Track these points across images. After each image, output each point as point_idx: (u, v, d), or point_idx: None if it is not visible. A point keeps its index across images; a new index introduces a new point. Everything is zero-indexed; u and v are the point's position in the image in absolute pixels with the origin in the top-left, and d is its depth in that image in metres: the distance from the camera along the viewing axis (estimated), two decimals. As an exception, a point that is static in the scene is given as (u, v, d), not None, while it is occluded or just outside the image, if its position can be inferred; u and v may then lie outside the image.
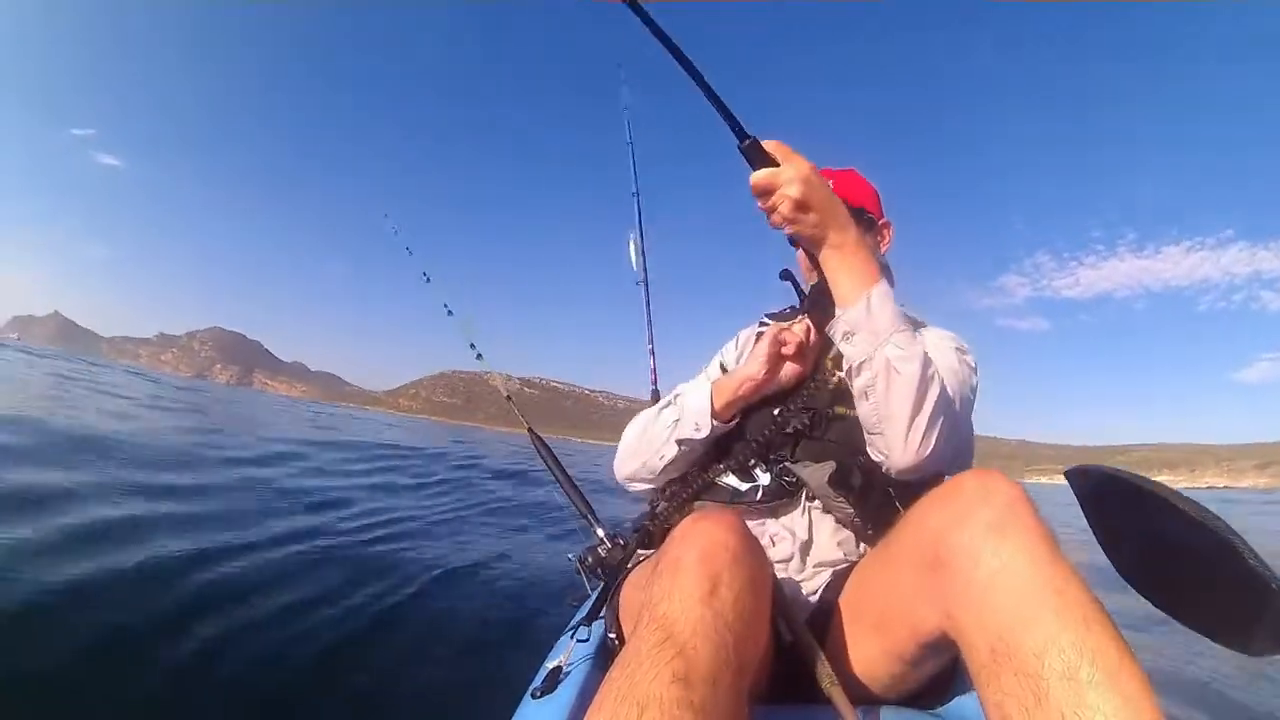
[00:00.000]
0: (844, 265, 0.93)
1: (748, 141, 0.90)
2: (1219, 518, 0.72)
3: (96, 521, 2.54)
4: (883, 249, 1.27)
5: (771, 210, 0.91)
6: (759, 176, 0.90)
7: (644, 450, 1.20)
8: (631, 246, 2.20)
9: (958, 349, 1.13)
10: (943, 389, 0.92)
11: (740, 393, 1.13)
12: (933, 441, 0.90)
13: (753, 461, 1.10)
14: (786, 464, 1.07)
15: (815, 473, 1.02)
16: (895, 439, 0.91)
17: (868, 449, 0.99)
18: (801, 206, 0.89)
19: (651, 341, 2.13)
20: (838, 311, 0.95)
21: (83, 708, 1.43)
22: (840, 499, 1.00)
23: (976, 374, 1.12)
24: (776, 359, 1.12)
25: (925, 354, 0.91)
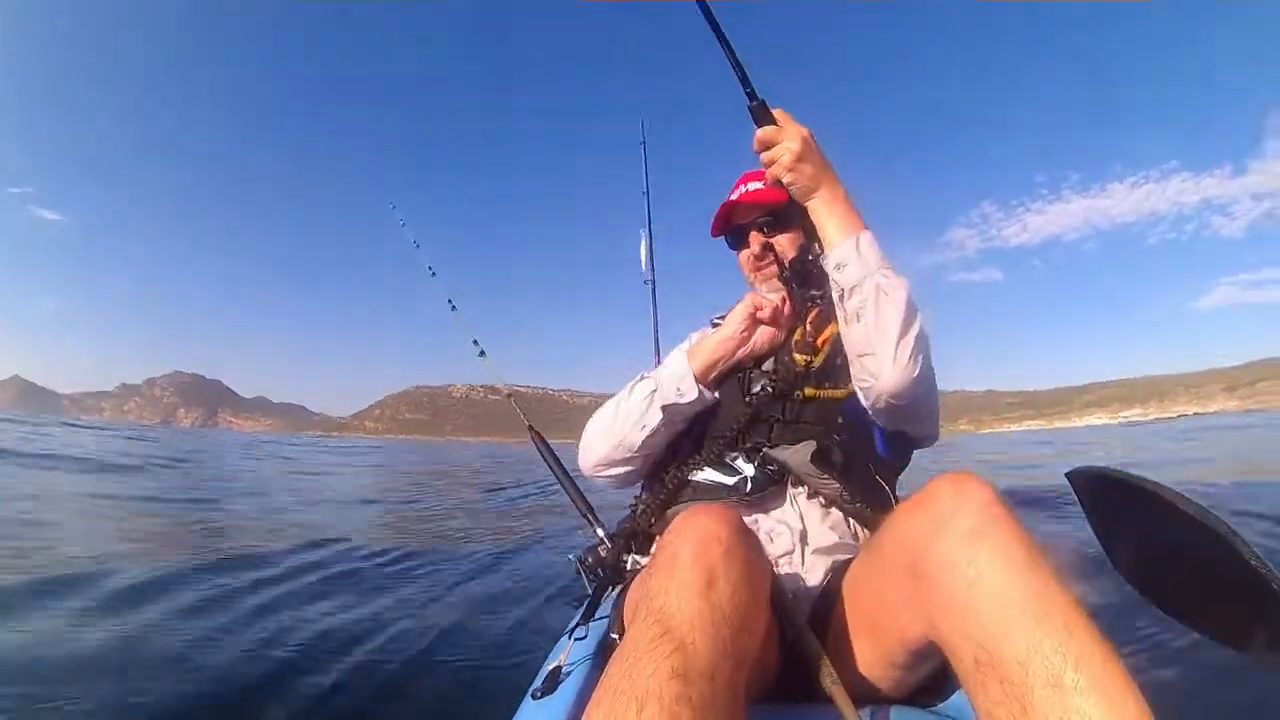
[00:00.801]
0: (835, 214, 1.02)
1: (757, 101, 1.01)
2: (1220, 518, 0.71)
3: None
4: None
5: (772, 163, 1.02)
6: (765, 131, 1.01)
7: (620, 426, 1.18)
8: (642, 246, 2.18)
9: None
10: (922, 321, 0.98)
11: (717, 354, 1.15)
12: (919, 364, 0.95)
13: (732, 455, 1.10)
14: (765, 451, 1.07)
15: (796, 454, 1.04)
16: (885, 358, 0.95)
17: (853, 378, 1.03)
18: (800, 159, 0.99)
19: (656, 341, 2.11)
20: (828, 250, 1.02)
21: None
22: (825, 476, 1.02)
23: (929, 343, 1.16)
24: (752, 321, 1.14)
25: (908, 294, 0.97)
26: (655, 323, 2.13)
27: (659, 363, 2.15)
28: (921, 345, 0.96)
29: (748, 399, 1.12)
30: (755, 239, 1.23)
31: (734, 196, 1.26)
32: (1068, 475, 0.96)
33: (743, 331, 1.14)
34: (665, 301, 2.15)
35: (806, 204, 1.04)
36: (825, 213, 1.02)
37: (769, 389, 1.10)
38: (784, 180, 1.02)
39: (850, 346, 1.02)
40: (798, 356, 1.11)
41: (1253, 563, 0.68)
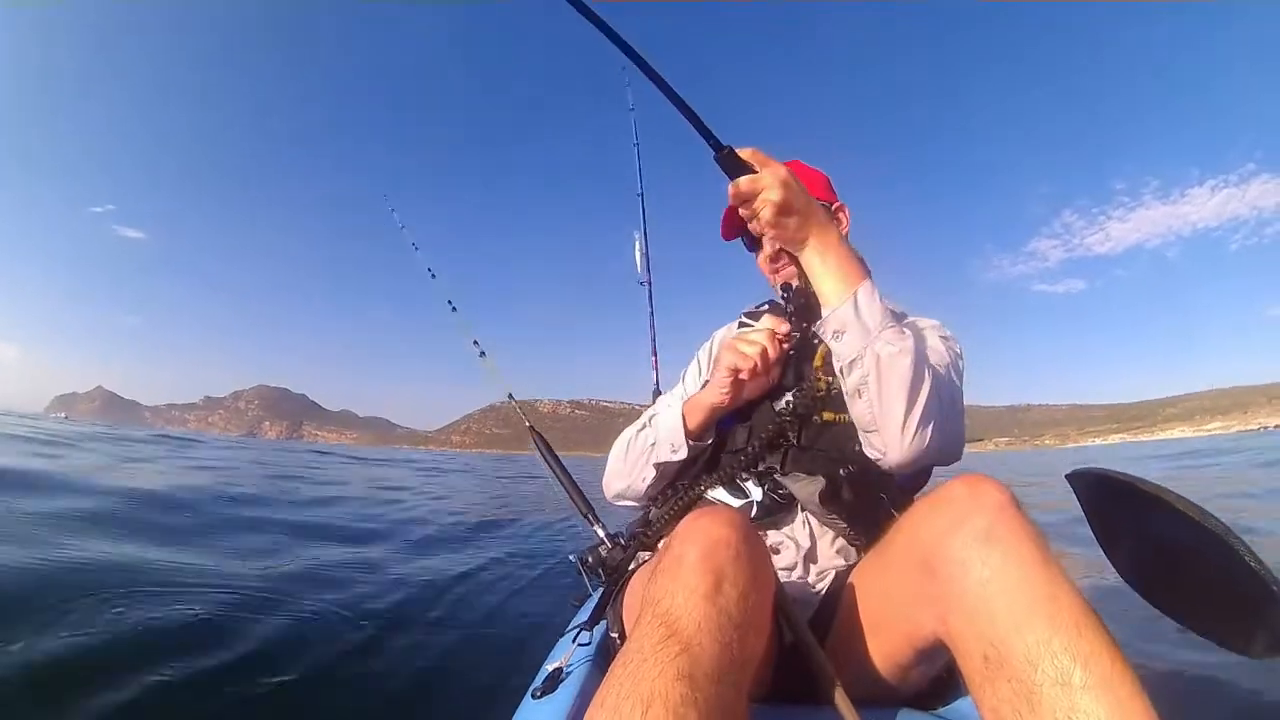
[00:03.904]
0: (827, 266, 0.94)
1: (724, 151, 0.91)
2: (1219, 519, 0.71)
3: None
4: (842, 232, 1.22)
5: (753, 216, 0.93)
6: (740, 184, 0.91)
7: (628, 472, 1.21)
8: (636, 247, 2.20)
9: (942, 336, 1.12)
10: (936, 378, 0.92)
11: (708, 414, 1.11)
12: (929, 435, 0.90)
13: (743, 475, 1.08)
14: (776, 477, 1.05)
15: (805, 487, 1.00)
16: (891, 437, 0.91)
17: (863, 447, 0.98)
18: (783, 210, 0.90)
19: (654, 342, 2.13)
20: (824, 311, 0.95)
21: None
22: (833, 515, 0.99)
23: (962, 359, 1.12)
24: (735, 384, 1.08)
25: (917, 346, 0.91)
26: (652, 324, 2.15)
27: (655, 363, 2.17)
28: (935, 406, 0.90)
29: (753, 426, 1.10)
30: (769, 242, 1.17)
31: None
32: (1068, 477, 0.96)
33: (727, 395, 1.08)
34: (664, 301, 2.16)
35: (798, 255, 0.97)
36: (818, 264, 0.95)
37: (786, 415, 1.07)
38: (769, 235, 0.96)
39: (856, 420, 0.96)
40: (820, 379, 1.07)
41: (1252, 565, 0.68)
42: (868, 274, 0.96)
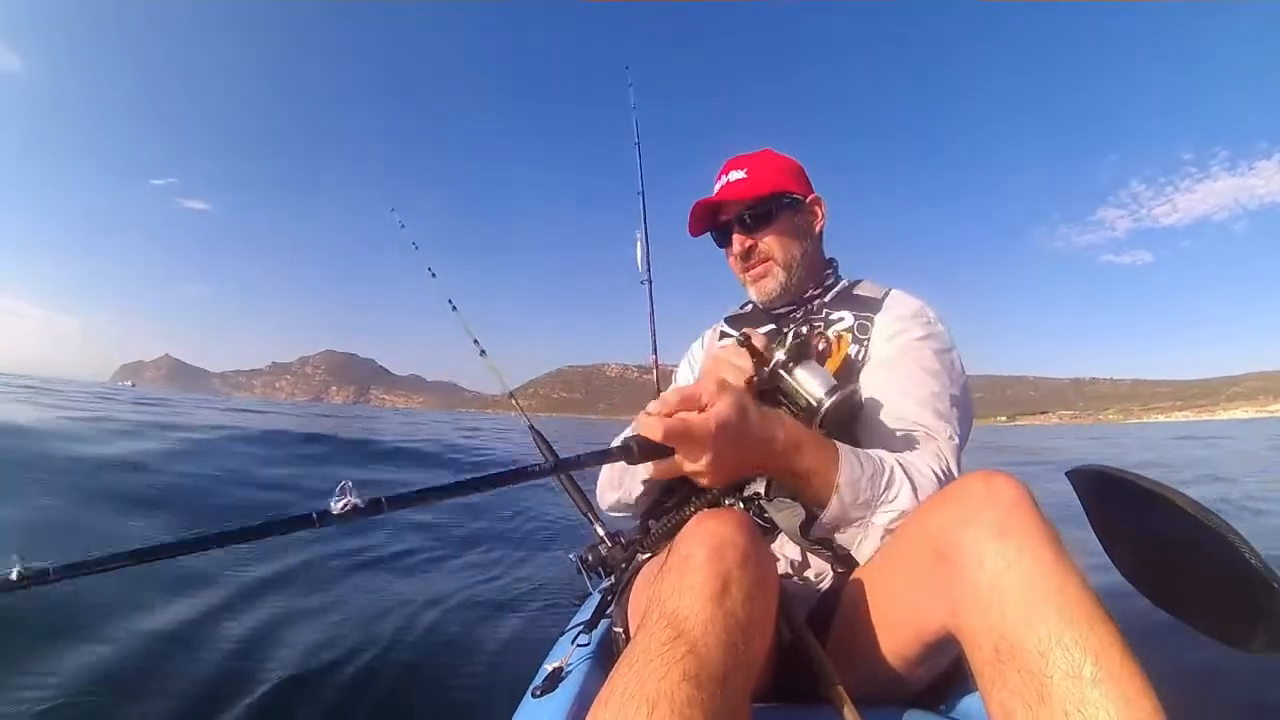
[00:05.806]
0: (793, 475, 0.87)
1: (635, 454, 0.74)
2: (1220, 518, 0.72)
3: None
4: (816, 228, 1.22)
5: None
6: (665, 467, 0.78)
7: (617, 484, 1.16)
8: (637, 247, 2.20)
9: (928, 336, 1.08)
10: (934, 475, 0.90)
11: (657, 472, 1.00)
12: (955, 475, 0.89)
13: (729, 500, 1.03)
14: (760, 503, 1.01)
15: (787, 517, 0.98)
16: None
17: None
18: (720, 465, 0.77)
19: (654, 341, 2.12)
20: (817, 511, 0.89)
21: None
22: (815, 545, 0.96)
23: (954, 349, 1.10)
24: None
25: (910, 481, 0.87)
26: (653, 323, 2.15)
27: (655, 360, 2.17)
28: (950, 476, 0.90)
29: None
30: (738, 240, 1.16)
31: (715, 189, 1.18)
32: (1068, 474, 0.96)
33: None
34: (664, 299, 2.16)
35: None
36: (784, 478, 0.89)
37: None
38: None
39: None
40: (789, 407, 1.01)
41: (1252, 561, 0.69)
42: (834, 448, 0.87)
